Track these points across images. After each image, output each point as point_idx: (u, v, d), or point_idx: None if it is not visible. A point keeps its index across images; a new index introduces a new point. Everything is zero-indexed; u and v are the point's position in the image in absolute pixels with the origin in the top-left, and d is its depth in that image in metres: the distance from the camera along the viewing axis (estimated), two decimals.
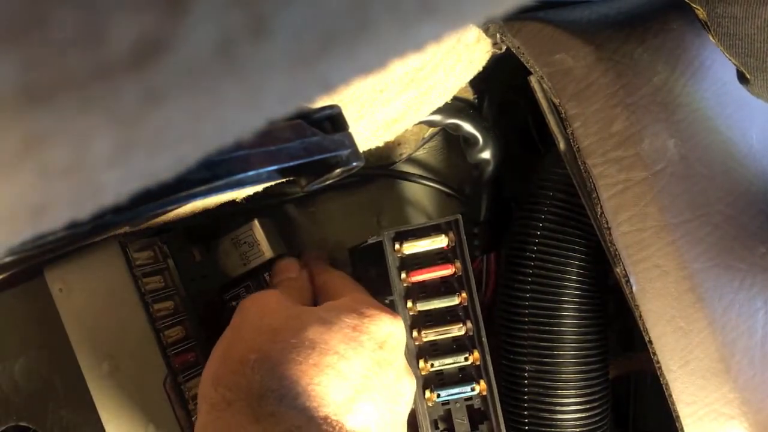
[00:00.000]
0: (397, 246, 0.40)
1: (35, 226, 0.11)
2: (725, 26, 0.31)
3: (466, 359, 0.39)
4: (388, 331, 0.35)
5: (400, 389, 0.35)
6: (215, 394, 0.31)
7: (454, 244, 0.40)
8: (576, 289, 0.42)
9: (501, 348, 0.44)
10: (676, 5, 0.39)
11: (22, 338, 0.38)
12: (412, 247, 0.40)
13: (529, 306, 0.42)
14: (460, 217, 0.40)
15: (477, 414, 0.40)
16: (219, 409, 0.30)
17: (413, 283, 0.40)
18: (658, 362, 0.36)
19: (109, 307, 0.37)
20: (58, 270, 0.37)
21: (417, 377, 0.39)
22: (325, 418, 0.30)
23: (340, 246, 0.52)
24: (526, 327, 0.42)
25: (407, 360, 0.38)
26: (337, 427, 0.30)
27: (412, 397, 0.36)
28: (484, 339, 0.39)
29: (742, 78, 0.33)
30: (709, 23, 0.32)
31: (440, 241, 0.40)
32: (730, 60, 0.33)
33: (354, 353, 0.33)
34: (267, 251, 0.46)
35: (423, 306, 0.40)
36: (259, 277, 0.47)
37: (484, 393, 0.39)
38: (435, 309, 0.40)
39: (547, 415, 0.42)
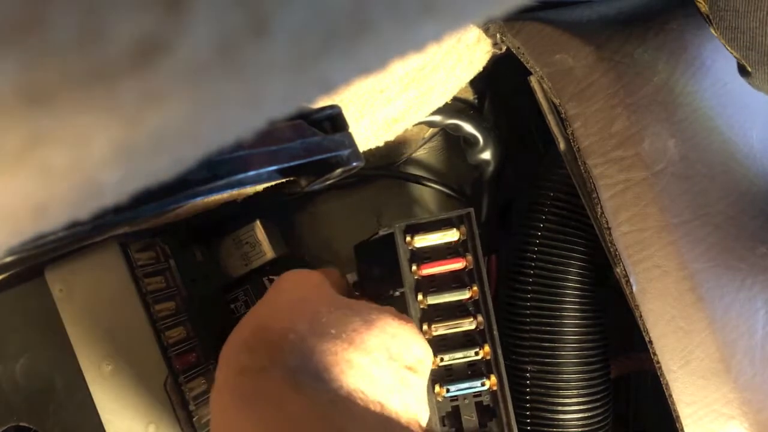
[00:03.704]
0: (408, 239, 0.40)
1: (36, 226, 0.11)
2: (727, 19, 0.31)
3: (477, 354, 0.39)
4: (420, 356, 0.35)
5: (417, 415, 0.34)
6: (249, 359, 0.31)
7: (465, 238, 0.40)
8: (577, 289, 0.42)
9: (503, 348, 0.44)
10: (676, 5, 0.39)
11: (22, 338, 0.38)
12: (422, 240, 0.40)
13: (530, 306, 0.42)
14: (472, 210, 0.39)
15: (486, 411, 0.40)
16: (252, 373, 0.30)
17: (424, 277, 0.40)
18: (658, 362, 0.36)
19: (109, 307, 0.37)
20: (59, 270, 0.37)
21: None
22: (361, 399, 0.31)
23: (340, 246, 0.52)
24: (527, 327, 0.42)
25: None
26: (372, 409, 0.31)
27: (424, 426, 0.36)
28: (496, 333, 0.39)
29: (743, 71, 0.33)
30: (711, 16, 0.32)
31: (451, 235, 0.40)
32: (731, 53, 0.33)
33: (386, 362, 0.32)
34: (269, 251, 0.46)
35: (433, 300, 0.40)
36: (259, 280, 0.47)
37: (495, 388, 0.39)
38: (445, 303, 0.40)
39: (549, 415, 0.42)
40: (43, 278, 0.37)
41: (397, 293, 0.42)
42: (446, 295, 0.40)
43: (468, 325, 0.40)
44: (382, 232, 0.43)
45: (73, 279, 0.37)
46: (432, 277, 0.40)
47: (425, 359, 0.35)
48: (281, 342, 0.31)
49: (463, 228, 0.40)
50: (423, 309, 0.40)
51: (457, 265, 0.40)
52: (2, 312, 0.39)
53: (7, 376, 0.39)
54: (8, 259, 0.24)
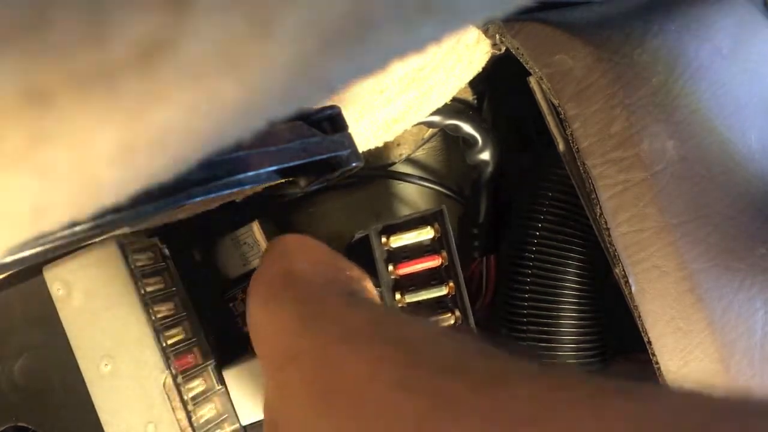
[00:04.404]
0: (384, 239, 0.40)
1: (36, 226, 0.11)
2: None
3: None
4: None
5: None
6: (299, 291, 0.32)
7: (439, 235, 0.40)
8: (574, 289, 0.42)
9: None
10: (676, 5, 0.39)
11: (21, 338, 0.38)
12: (398, 240, 0.41)
13: (528, 306, 0.42)
14: (444, 207, 0.40)
15: None
16: (307, 299, 0.32)
17: (402, 276, 0.41)
18: (657, 363, 0.36)
19: (108, 307, 0.37)
20: (58, 270, 0.37)
21: None
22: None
23: (339, 246, 0.52)
24: (524, 327, 0.42)
25: None
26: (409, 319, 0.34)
27: None
28: (473, 327, 0.39)
29: None
30: None
31: (426, 233, 0.40)
32: None
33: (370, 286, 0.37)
34: None
35: (411, 298, 0.40)
36: None
37: None
38: (424, 300, 0.41)
39: None
40: (41, 278, 0.37)
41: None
42: (424, 292, 0.40)
43: (447, 321, 0.40)
44: (358, 235, 0.44)
45: (71, 279, 0.37)
46: (410, 276, 0.41)
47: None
48: (316, 275, 0.33)
49: (437, 225, 0.40)
50: (402, 307, 0.40)
51: (433, 262, 0.40)
52: (2, 312, 0.39)
53: (6, 376, 0.38)
54: (8, 259, 0.24)
